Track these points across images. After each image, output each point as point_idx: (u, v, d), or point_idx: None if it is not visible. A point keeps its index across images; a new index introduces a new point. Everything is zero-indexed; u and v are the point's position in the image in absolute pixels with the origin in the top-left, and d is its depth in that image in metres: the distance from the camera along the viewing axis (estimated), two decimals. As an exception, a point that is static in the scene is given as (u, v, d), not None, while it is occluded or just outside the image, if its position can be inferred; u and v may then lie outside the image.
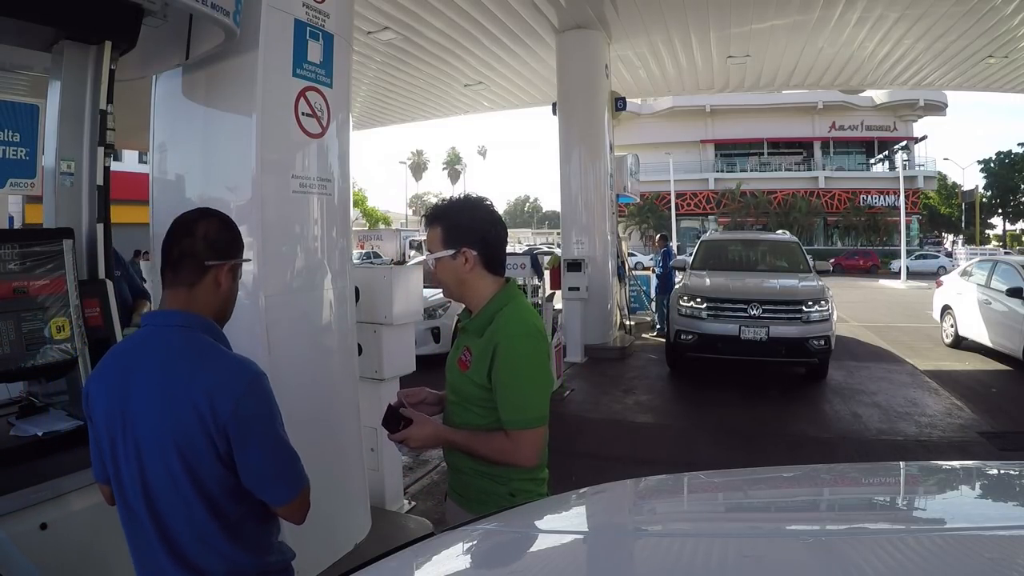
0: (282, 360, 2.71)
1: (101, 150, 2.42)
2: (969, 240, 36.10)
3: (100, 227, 2.41)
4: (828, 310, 7.13)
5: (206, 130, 2.85)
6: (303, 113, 2.80)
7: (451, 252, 1.69)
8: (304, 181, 2.82)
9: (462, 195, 1.78)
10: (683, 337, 7.46)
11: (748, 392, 7.26)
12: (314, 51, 2.88)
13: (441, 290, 1.85)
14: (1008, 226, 44.93)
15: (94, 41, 2.44)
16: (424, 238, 1.67)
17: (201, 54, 2.68)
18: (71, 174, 2.40)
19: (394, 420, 1.67)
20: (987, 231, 46.58)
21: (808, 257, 8.85)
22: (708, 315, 7.27)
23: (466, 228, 1.70)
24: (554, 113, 9.87)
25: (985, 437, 5.49)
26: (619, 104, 10.05)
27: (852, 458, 5.04)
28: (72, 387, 2.25)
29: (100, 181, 2.43)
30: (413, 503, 4.08)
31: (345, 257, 3.12)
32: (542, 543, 1.18)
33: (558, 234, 12.51)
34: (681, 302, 7.55)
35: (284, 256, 2.79)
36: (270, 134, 2.68)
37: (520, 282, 6.39)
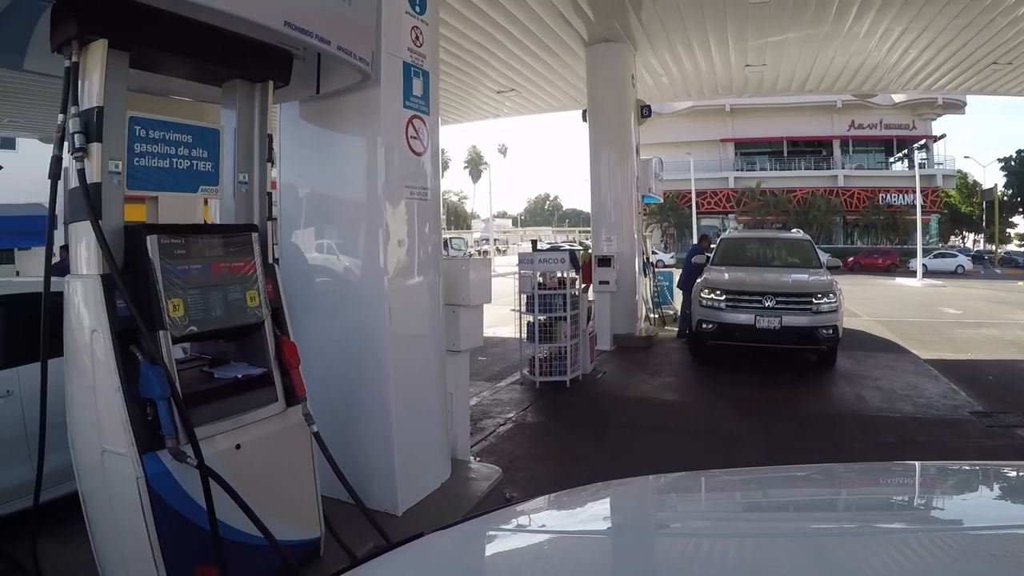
0: (398, 327, 3.50)
1: (268, 165, 3.20)
2: (989, 239, 35.96)
3: (269, 224, 3.18)
4: (836, 302, 7.81)
5: (333, 150, 3.62)
6: (411, 136, 3.58)
7: None
8: (413, 189, 3.60)
9: None
10: (704, 326, 8.19)
11: (763, 375, 7.95)
12: (417, 86, 3.65)
13: None
14: (1029, 225, 44.72)
15: (259, 79, 3.19)
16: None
17: (331, 90, 3.44)
18: (246, 183, 3.16)
19: None
20: (1008, 230, 46.32)
21: (819, 253, 9.53)
22: (727, 306, 7.98)
23: None
24: (584, 120, 10.62)
25: (975, 416, 6.05)
26: (644, 111, 10.72)
27: (853, 431, 5.66)
28: (256, 344, 2.95)
29: (268, 188, 3.20)
30: (478, 458, 4.83)
31: (437, 249, 3.90)
32: (542, 543, 1.17)
33: (580, 232, 13.14)
34: (702, 294, 8.27)
35: (399, 248, 3.57)
36: (390, 153, 3.46)
37: (560, 275, 7.18)
